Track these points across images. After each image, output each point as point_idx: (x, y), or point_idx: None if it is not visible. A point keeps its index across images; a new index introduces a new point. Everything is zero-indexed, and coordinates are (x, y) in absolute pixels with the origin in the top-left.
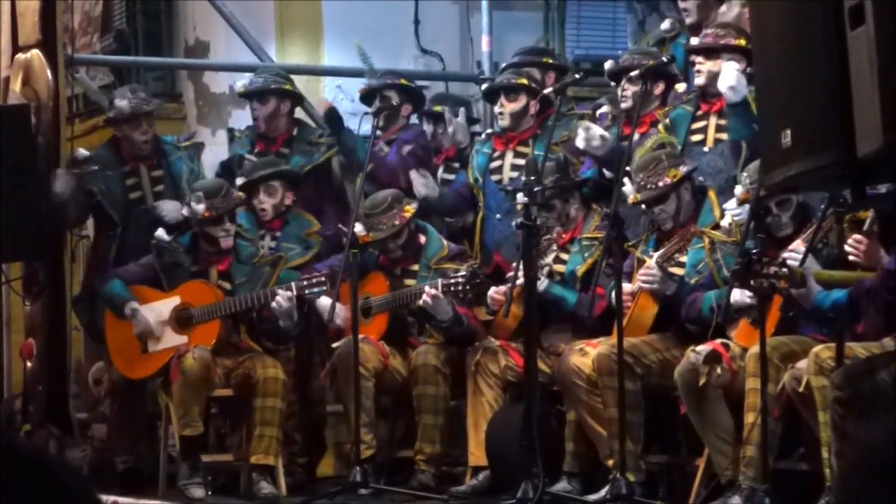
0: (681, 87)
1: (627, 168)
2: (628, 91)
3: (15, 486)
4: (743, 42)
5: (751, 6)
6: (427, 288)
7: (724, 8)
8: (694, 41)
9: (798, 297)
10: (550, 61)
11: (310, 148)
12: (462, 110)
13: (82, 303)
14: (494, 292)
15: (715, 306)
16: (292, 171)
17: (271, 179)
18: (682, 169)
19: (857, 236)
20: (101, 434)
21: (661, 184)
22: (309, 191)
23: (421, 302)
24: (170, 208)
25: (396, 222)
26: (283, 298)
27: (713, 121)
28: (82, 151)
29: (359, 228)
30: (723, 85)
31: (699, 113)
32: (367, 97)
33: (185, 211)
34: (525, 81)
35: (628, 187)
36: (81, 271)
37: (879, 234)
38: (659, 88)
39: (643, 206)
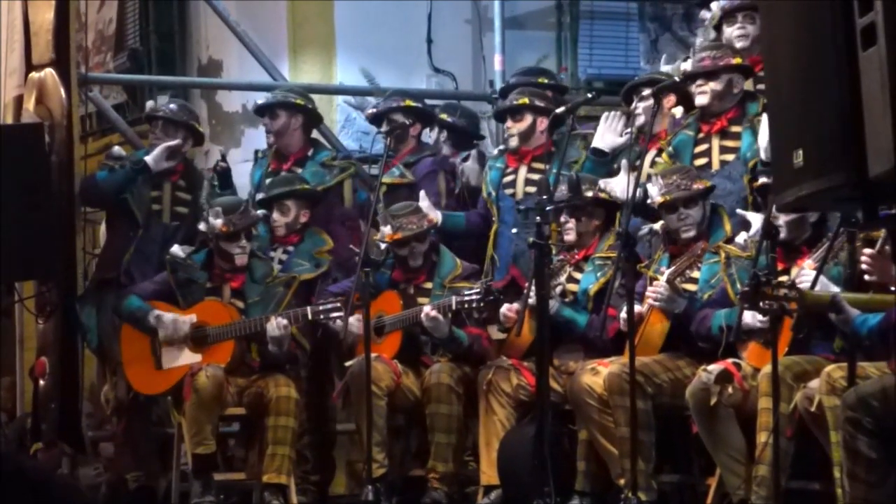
0: (678, 111)
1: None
2: (639, 107)
3: None
4: (739, 60)
5: (762, 26)
6: (426, 308)
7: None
8: (686, 66)
9: (838, 323)
10: (545, 81)
11: (322, 169)
12: (474, 153)
13: (86, 301)
14: (507, 309)
15: (725, 327)
16: (307, 191)
17: (285, 198)
18: (709, 182)
19: (871, 251)
20: (110, 453)
21: (694, 186)
22: (320, 212)
23: (422, 317)
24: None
25: (425, 224)
26: (275, 325)
27: (716, 142)
28: (119, 149)
29: (386, 229)
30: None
31: (700, 135)
32: (374, 120)
33: (202, 226)
34: (527, 101)
35: (653, 189)
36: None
37: (893, 255)
38: (669, 102)
39: (669, 209)
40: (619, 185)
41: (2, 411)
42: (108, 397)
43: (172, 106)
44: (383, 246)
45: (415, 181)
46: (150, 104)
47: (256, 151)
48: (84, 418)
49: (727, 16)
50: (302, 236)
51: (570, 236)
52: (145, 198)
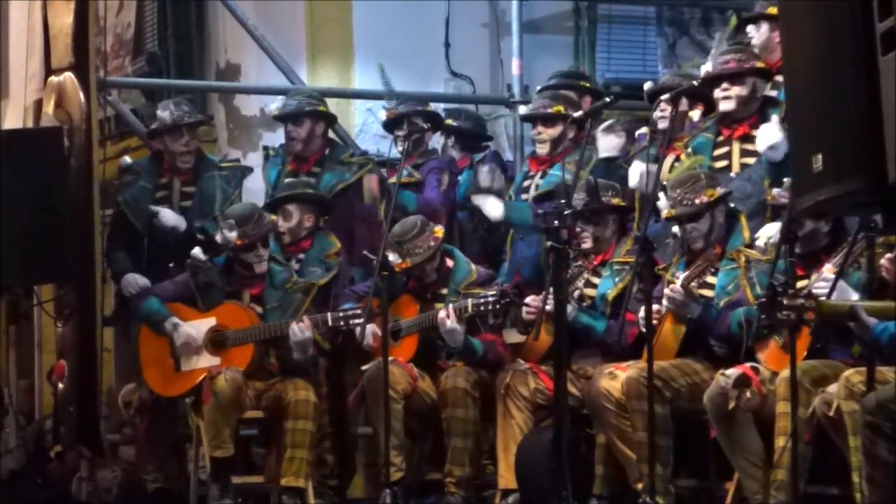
0: (695, 114)
1: (663, 182)
2: (666, 112)
3: None
4: (762, 64)
5: (781, 30)
6: (442, 312)
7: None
8: (707, 67)
9: (857, 331)
10: (588, 85)
11: (341, 167)
12: (491, 152)
13: (121, 312)
14: (531, 299)
15: (744, 322)
16: (309, 194)
17: (287, 203)
18: (720, 190)
19: (890, 256)
20: (130, 456)
21: (697, 201)
22: (340, 209)
23: (439, 320)
24: (168, 217)
25: (431, 244)
26: (297, 330)
27: (736, 146)
28: (127, 160)
29: (393, 258)
30: (762, 144)
31: (720, 139)
32: (391, 123)
33: (217, 238)
34: (561, 109)
35: (662, 202)
36: (113, 291)
37: None
38: (698, 106)
39: (676, 222)
40: (634, 172)
41: (20, 414)
42: (126, 400)
43: (186, 108)
44: None
45: (421, 179)
46: (164, 115)
47: (267, 148)
48: (102, 421)
49: (747, 23)
50: (312, 241)
51: (586, 244)
52: (143, 205)
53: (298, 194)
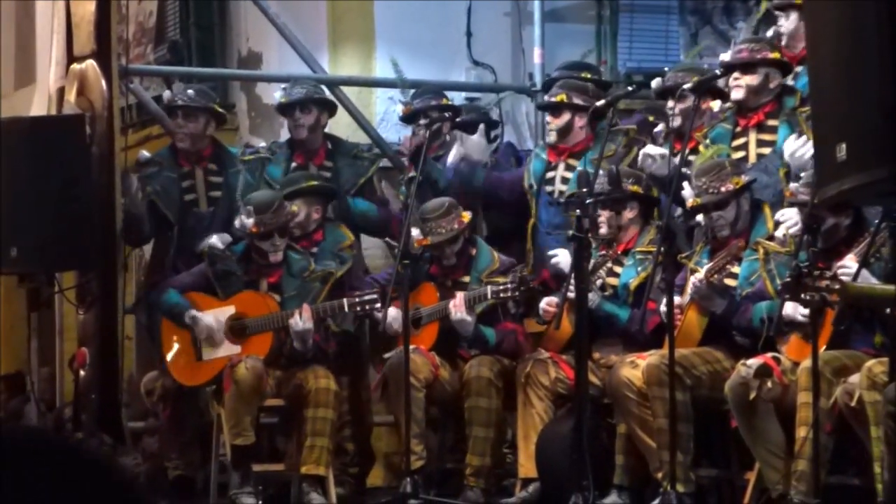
0: (716, 105)
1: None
2: (676, 109)
3: (73, 490)
4: (778, 55)
5: (805, 19)
6: (451, 305)
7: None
8: (725, 57)
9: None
10: (589, 76)
11: (356, 161)
12: (482, 126)
13: (141, 304)
14: (547, 303)
15: (766, 318)
16: (314, 186)
17: (292, 198)
18: (745, 178)
19: None
20: (152, 447)
21: (723, 189)
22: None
23: (450, 308)
24: (217, 242)
25: (455, 226)
26: (297, 320)
27: (753, 136)
28: (144, 153)
29: (416, 233)
30: (787, 150)
31: (738, 129)
32: (411, 117)
33: (235, 223)
34: (564, 98)
35: (687, 191)
36: (134, 280)
37: None
38: (706, 103)
39: (701, 210)
40: (645, 155)
41: (41, 401)
42: (147, 388)
43: (190, 92)
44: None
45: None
46: (166, 94)
47: (271, 145)
48: (123, 409)
49: (776, 9)
50: (324, 233)
51: (602, 229)
52: (173, 195)
53: (302, 188)
